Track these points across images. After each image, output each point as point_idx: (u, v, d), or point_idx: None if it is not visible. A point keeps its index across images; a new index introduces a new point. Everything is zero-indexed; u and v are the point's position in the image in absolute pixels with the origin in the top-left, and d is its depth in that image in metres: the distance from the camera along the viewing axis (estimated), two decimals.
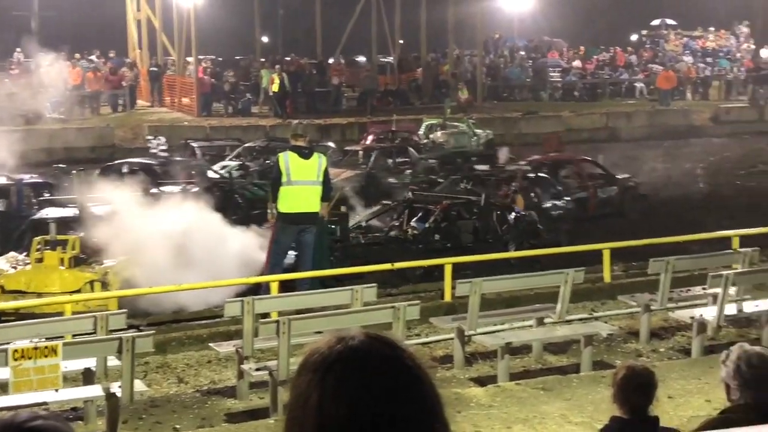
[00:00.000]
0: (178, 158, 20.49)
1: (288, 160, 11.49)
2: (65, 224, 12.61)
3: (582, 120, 33.78)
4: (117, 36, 38.15)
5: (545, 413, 7.54)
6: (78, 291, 11.39)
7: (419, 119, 28.95)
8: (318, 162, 11.64)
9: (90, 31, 34.41)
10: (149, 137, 25.60)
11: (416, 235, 13.99)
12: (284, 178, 11.42)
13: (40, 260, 11.88)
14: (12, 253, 12.57)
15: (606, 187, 18.78)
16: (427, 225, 14.12)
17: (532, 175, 17.41)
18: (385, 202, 15.62)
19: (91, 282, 11.58)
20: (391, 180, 19.29)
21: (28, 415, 1.54)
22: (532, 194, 16.55)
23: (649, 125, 34.26)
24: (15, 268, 12.09)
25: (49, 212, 13.42)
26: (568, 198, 17.35)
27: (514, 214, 14.89)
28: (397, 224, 14.43)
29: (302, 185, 11.48)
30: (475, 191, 15.97)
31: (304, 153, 11.60)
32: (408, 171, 20.42)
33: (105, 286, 11.56)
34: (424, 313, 9.52)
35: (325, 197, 11.76)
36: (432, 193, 16.23)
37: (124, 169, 17.74)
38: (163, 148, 24.14)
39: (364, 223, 14.59)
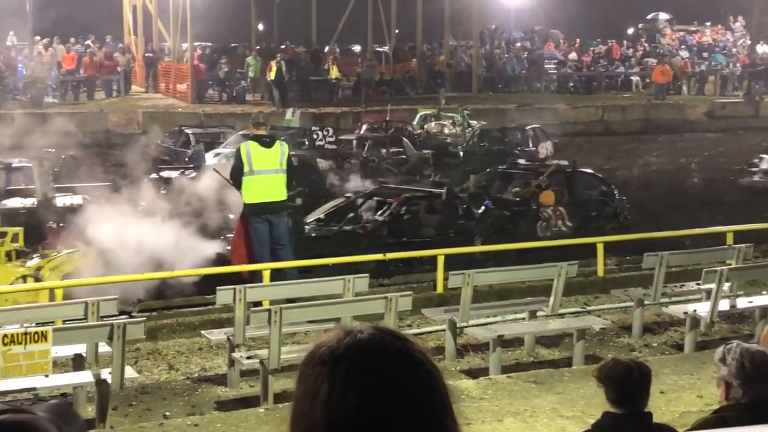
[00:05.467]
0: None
1: (249, 149, 11.41)
2: (17, 215, 12.10)
3: (577, 113, 33.74)
4: (113, 21, 37.99)
5: (536, 406, 7.52)
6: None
7: (414, 109, 28.91)
8: (280, 150, 11.55)
9: (85, 15, 34.20)
10: (315, 128, 22.83)
11: (369, 228, 13.74)
12: (246, 168, 11.34)
13: None
14: None
15: None
16: (380, 218, 13.82)
17: (569, 170, 16.72)
18: (347, 194, 15.42)
19: (24, 277, 11.06)
20: None
21: None
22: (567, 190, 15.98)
23: (644, 119, 34.26)
24: None
25: (8, 202, 13.05)
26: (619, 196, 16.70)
27: (483, 207, 14.60)
28: (352, 217, 14.14)
29: (265, 174, 11.40)
30: (442, 184, 15.70)
31: (266, 141, 11.52)
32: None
33: (38, 281, 10.96)
34: (416, 304, 9.50)
35: (291, 185, 11.73)
36: (396, 186, 15.92)
37: None
38: (331, 140, 21.90)
39: (323, 215, 14.33)
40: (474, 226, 14.26)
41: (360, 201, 14.66)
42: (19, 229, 11.70)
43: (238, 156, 11.55)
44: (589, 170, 17.50)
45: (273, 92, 32.54)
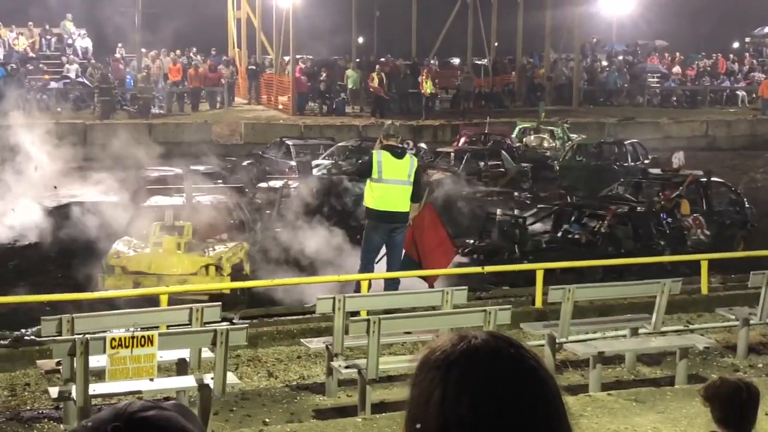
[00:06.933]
0: None
1: (381, 158, 11.52)
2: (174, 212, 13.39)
3: (681, 127, 33.07)
4: (217, 34, 38.85)
5: (637, 425, 7.39)
6: (194, 274, 12.09)
7: (513, 122, 28.77)
8: (410, 162, 11.64)
9: (191, 28, 35.03)
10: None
11: (591, 240, 14.25)
12: (375, 175, 11.44)
13: (157, 244, 12.57)
14: (126, 237, 13.14)
15: None
16: (603, 230, 14.41)
17: (704, 179, 16.79)
18: (541, 205, 15.83)
19: (206, 266, 12.18)
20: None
21: (142, 405, 1.47)
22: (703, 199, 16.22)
23: (750, 134, 33.39)
24: (135, 251, 12.71)
25: (157, 200, 14.19)
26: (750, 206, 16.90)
27: (667, 220, 15.09)
28: (566, 228, 14.79)
29: (393, 184, 11.48)
30: (624, 197, 16.31)
31: (397, 152, 11.62)
32: None
33: (219, 270, 12.17)
34: (514, 318, 9.41)
35: (415, 198, 11.78)
36: (588, 198, 16.70)
37: None
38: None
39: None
40: (663, 237, 14.70)
41: (566, 212, 15.27)
42: (191, 224, 12.87)
43: (369, 161, 11.73)
44: (720, 180, 17.55)
45: (373, 102, 32.76)
